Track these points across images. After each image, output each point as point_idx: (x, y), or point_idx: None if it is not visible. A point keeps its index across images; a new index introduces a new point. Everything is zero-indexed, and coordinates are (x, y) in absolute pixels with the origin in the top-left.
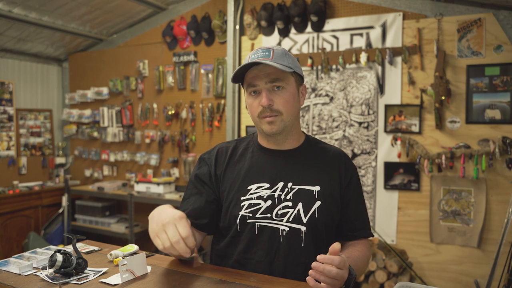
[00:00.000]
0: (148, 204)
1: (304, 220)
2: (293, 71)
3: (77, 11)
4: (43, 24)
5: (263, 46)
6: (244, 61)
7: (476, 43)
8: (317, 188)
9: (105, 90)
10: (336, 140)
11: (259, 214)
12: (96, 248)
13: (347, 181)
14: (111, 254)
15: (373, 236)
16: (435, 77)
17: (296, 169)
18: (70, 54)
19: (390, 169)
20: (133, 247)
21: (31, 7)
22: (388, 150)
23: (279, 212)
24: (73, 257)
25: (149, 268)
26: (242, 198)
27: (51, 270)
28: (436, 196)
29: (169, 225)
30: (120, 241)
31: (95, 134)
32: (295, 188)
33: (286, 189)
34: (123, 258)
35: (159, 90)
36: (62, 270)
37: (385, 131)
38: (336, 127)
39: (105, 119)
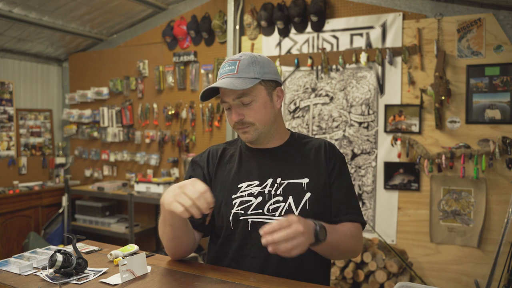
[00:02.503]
0: (148, 204)
1: (296, 213)
2: (261, 80)
3: (77, 11)
4: (43, 24)
5: (231, 57)
6: (218, 76)
7: (476, 43)
8: (305, 180)
9: (105, 90)
10: (336, 140)
11: (251, 211)
12: (96, 248)
13: (330, 168)
14: (111, 254)
15: (362, 221)
16: (435, 77)
17: (284, 165)
18: (70, 54)
19: (390, 169)
20: (133, 247)
21: (31, 7)
22: (388, 150)
23: (271, 207)
24: (73, 257)
25: (149, 268)
26: (233, 196)
27: (51, 270)
28: (436, 196)
29: (186, 186)
30: (120, 241)
31: (95, 134)
32: (284, 182)
33: (276, 185)
34: (123, 258)
35: (159, 90)
36: (62, 270)
37: (385, 131)
38: (336, 127)
39: (105, 119)
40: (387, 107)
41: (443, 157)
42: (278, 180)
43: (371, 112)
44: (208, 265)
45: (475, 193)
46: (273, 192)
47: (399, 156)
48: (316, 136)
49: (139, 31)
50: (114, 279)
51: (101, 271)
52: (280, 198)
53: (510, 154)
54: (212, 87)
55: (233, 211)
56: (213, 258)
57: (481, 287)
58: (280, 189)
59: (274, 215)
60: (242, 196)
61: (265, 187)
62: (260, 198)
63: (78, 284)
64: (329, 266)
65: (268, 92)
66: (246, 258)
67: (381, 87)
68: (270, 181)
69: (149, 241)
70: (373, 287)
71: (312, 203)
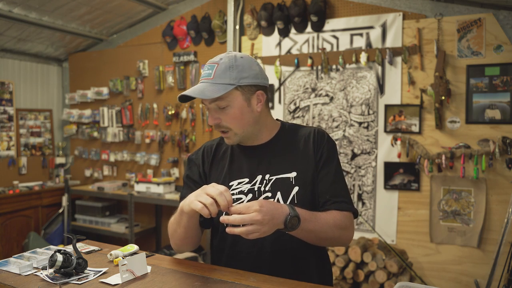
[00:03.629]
0: (148, 204)
1: None
2: (237, 86)
3: (77, 11)
4: (43, 24)
5: (212, 59)
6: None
7: (476, 43)
8: (293, 174)
9: (105, 90)
10: (336, 140)
11: None
12: (96, 248)
13: (318, 157)
14: (111, 254)
15: (351, 210)
16: (435, 77)
17: (272, 160)
18: (70, 54)
19: (390, 169)
20: (133, 247)
21: (31, 7)
22: (388, 150)
23: None
24: (73, 257)
25: (149, 268)
26: None
27: (51, 270)
28: (436, 196)
29: (208, 187)
30: (120, 241)
31: (95, 134)
32: (272, 178)
33: (265, 181)
34: (123, 258)
35: (159, 90)
36: (62, 270)
37: (385, 131)
38: (336, 127)
39: (105, 119)
40: (387, 107)
41: (443, 157)
42: (267, 176)
43: (371, 112)
44: (208, 265)
45: (475, 193)
46: (262, 189)
47: (399, 156)
48: None
49: (139, 31)
50: (114, 279)
51: (101, 271)
52: (269, 194)
53: (510, 154)
54: (187, 94)
55: None
56: (214, 254)
57: (481, 287)
58: (269, 185)
59: None
60: (233, 194)
61: (254, 184)
62: (250, 195)
63: (78, 284)
64: (327, 264)
65: (245, 98)
66: (240, 254)
67: (381, 87)
68: (259, 177)
69: (149, 241)
70: (373, 287)
71: (300, 196)
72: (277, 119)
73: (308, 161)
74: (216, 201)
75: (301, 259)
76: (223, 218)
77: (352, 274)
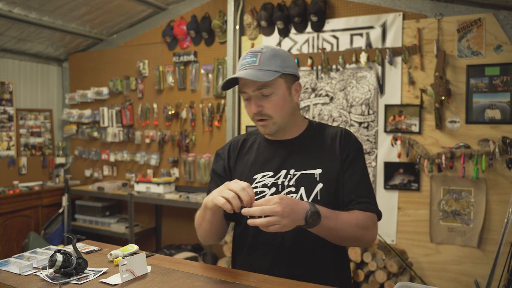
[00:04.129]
0: (148, 204)
1: None
2: (282, 74)
3: (77, 11)
4: (43, 24)
5: (252, 49)
6: (237, 66)
7: (476, 43)
8: (318, 171)
9: (105, 90)
10: None
11: None
12: (96, 248)
13: (344, 157)
14: (111, 254)
15: (374, 211)
16: (435, 77)
17: (298, 156)
18: (70, 54)
19: (390, 169)
20: (133, 247)
21: (31, 7)
22: (388, 150)
23: None
24: (73, 257)
25: (149, 268)
26: None
27: (51, 270)
28: (436, 196)
29: (230, 183)
30: (120, 241)
31: (95, 134)
32: (297, 173)
33: (289, 176)
34: (123, 258)
35: (159, 90)
36: (62, 270)
37: (385, 131)
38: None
39: (105, 119)
40: (387, 107)
41: (443, 157)
42: (292, 171)
43: (371, 112)
44: (208, 265)
45: (475, 193)
46: (286, 183)
47: (399, 156)
48: None
49: (139, 31)
50: (114, 279)
51: (101, 271)
52: (293, 189)
53: (510, 154)
54: (232, 78)
55: None
56: (236, 245)
57: (481, 287)
58: (293, 180)
59: None
60: (256, 187)
61: (278, 178)
62: (273, 189)
63: (78, 284)
64: (346, 264)
65: (287, 86)
66: (261, 246)
67: (381, 87)
68: (283, 172)
69: (149, 241)
70: (373, 287)
71: (323, 193)
72: (304, 117)
73: (334, 160)
74: (239, 196)
75: (321, 255)
76: (245, 210)
77: (352, 274)
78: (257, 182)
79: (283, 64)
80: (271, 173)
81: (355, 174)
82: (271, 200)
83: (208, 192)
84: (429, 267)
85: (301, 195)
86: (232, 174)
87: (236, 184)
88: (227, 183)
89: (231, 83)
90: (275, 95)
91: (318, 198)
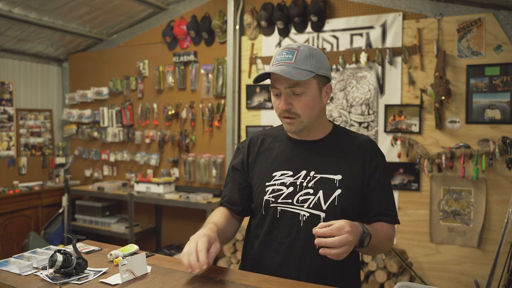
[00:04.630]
0: (148, 204)
1: (324, 207)
2: (315, 74)
3: (77, 11)
4: (43, 24)
5: (289, 45)
6: (272, 61)
7: (476, 43)
8: (338, 177)
9: (105, 90)
10: None
11: (281, 199)
12: (96, 248)
13: (371, 169)
14: (111, 254)
15: (398, 223)
16: (435, 77)
17: (320, 159)
18: (70, 54)
19: (390, 169)
20: (133, 247)
21: (31, 7)
22: (388, 150)
23: (300, 198)
24: (73, 257)
25: (149, 268)
26: (267, 183)
27: (51, 270)
28: (436, 196)
29: (192, 240)
30: (120, 241)
31: (95, 134)
32: (317, 176)
33: (309, 177)
34: (123, 258)
35: (159, 90)
36: (62, 270)
37: (385, 131)
38: None
39: (105, 119)
40: (387, 107)
41: (443, 157)
42: (312, 173)
43: (371, 112)
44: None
45: (475, 193)
46: (304, 184)
47: (399, 156)
48: None
49: (139, 31)
50: (114, 279)
51: (101, 271)
52: (311, 191)
53: (510, 154)
54: (267, 72)
55: (265, 197)
56: (250, 238)
57: (481, 287)
58: (312, 182)
59: (302, 206)
60: (274, 185)
61: (297, 178)
62: (291, 188)
63: (78, 284)
64: (356, 267)
65: (319, 87)
66: (273, 243)
67: (381, 87)
68: (303, 173)
69: (149, 241)
70: (373, 287)
71: (341, 200)
72: (329, 120)
73: (356, 168)
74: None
75: (329, 259)
76: (320, 242)
77: None
78: (275, 180)
79: (318, 65)
80: (290, 173)
81: (383, 186)
82: (342, 229)
83: (225, 186)
84: (429, 267)
85: (318, 198)
86: (252, 169)
87: (191, 246)
88: (191, 239)
89: (264, 77)
90: (305, 95)
91: (335, 204)
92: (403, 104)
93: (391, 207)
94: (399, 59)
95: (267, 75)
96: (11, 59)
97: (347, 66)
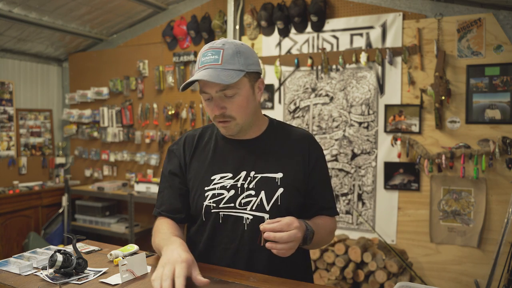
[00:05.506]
0: (148, 204)
1: (267, 208)
2: (246, 72)
3: (77, 11)
4: (43, 24)
5: (213, 44)
6: (196, 65)
7: (476, 43)
8: (279, 175)
9: (105, 90)
10: (336, 140)
11: (223, 204)
12: (96, 248)
13: (312, 163)
14: (111, 254)
15: (338, 214)
16: (435, 77)
17: (259, 158)
18: (70, 54)
19: (390, 169)
20: (133, 247)
21: (31, 7)
22: (388, 150)
23: (243, 201)
24: (73, 257)
25: (149, 268)
26: (206, 188)
27: (51, 270)
28: (436, 196)
29: (168, 264)
30: (120, 241)
31: (95, 134)
32: (257, 176)
33: (249, 178)
34: (123, 258)
35: (159, 90)
36: (62, 270)
37: (385, 131)
38: (336, 127)
39: (105, 119)
40: (387, 107)
41: (443, 157)
42: (252, 173)
43: (371, 112)
44: (208, 265)
45: (475, 193)
46: (245, 186)
47: (399, 156)
48: (316, 136)
49: (139, 31)
50: (114, 279)
51: (101, 271)
52: (252, 192)
53: (510, 154)
54: (193, 80)
55: (205, 203)
56: (190, 245)
57: (481, 287)
58: (253, 183)
59: (245, 209)
60: (214, 189)
61: (238, 180)
62: (232, 192)
63: (78, 284)
64: (306, 261)
65: (251, 85)
66: (216, 249)
67: (381, 87)
68: (243, 174)
69: (149, 241)
70: (373, 287)
71: (284, 198)
72: (264, 115)
73: (297, 164)
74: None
75: (277, 258)
76: (268, 236)
77: (352, 274)
78: (215, 184)
79: (247, 61)
80: (230, 175)
81: (321, 181)
82: (291, 224)
83: (159, 193)
84: (429, 267)
85: (261, 199)
86: (188, 172)
87: (167, 272)
88: (167, 263)
89: (191, 83)
90: (238, 95)
91: (279, 203)
92: (403, 104)
93: (330, 199)
94: (399, 59)
95: (193, 81)
96: (11, 59)
97: (347, 66)
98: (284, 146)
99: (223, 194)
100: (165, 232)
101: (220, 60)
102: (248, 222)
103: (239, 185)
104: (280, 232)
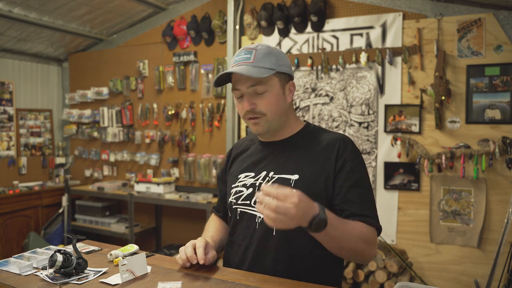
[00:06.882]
0: (148, 204)
1: None
2: (276, 72)
3: (77, 11)
4: (43, 24)
5: (247, 46)
6: (231, 64)
7: (476, 43)
8: (295, 177)
9: (105, 90)
10: None
11: (241, 201)
12: (96, 248)
13: (338, 166)
14: (111, 254)
15: (377, 226)
16: (435, 77)
17: (280, 159)
18: (70, 54)
19: (390, 169)
20: (133, 247)
21: (31, 7)
22: (388, 150)
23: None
24: (73, 257)
25: (149, 268)
26: (232, 185)
27: (51, 270)
28: (436, 196)
29: (189, 243)
30: (120, 241)
31: (95, 134)
32: (275, 177)
33: (267, 178)
34: (123, 258)
35: (159, 90)
36: (62, 270)
37: (385, 131)
38: (336, 127)
39: (105, 119)
40: (387, 107)
41: (443, 157)
42: (271, 173)
43: (371, 112)
44: (208, 265)
45: (475, 193)
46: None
47: (399, 156)
48: None
49: (139, 31)
50: (114, 279)
51: (101, 271)
52: None
53: (510, 154)
54: (226, 73)
55: (229, 199)
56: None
57: (481, 287)
58: (270, 183)
59: None
60: (237, 186)
61: (257, 180)
62: (250, 190)
63: (78, 284)
64: (316, 267)
65: (281, 85)
66: (234, 244)
67: (381, 87)
68: (263, 173)
69: (149, 241)
70: (373, 287)
71: None
72: (304, 121)
73: (320, 168)
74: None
75: (280, 262)
76: (257, 197)
77: (352, 274)
78: (239, 182)
79: (278, 62)
80: (252, 174)
81: (351, 186)
82: (289, 198)
83: (219, 194)
84: (429, 267)
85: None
86: (228, 174)
87: (188, 249)
88: (188, 244)
89: (224, 79)
90: (268, 92)
91: None
92: (403, 104)
93: (365, 207)
94: (399, 59)
95: (227, 79)
96: (11, 59)
97: (347, 66)
98: (310, 149)
99: (242, 191)
100: (206, 229)
101: (252, 59)
102: (259, 221)
103: (257, 184)
104: (276, 199)
